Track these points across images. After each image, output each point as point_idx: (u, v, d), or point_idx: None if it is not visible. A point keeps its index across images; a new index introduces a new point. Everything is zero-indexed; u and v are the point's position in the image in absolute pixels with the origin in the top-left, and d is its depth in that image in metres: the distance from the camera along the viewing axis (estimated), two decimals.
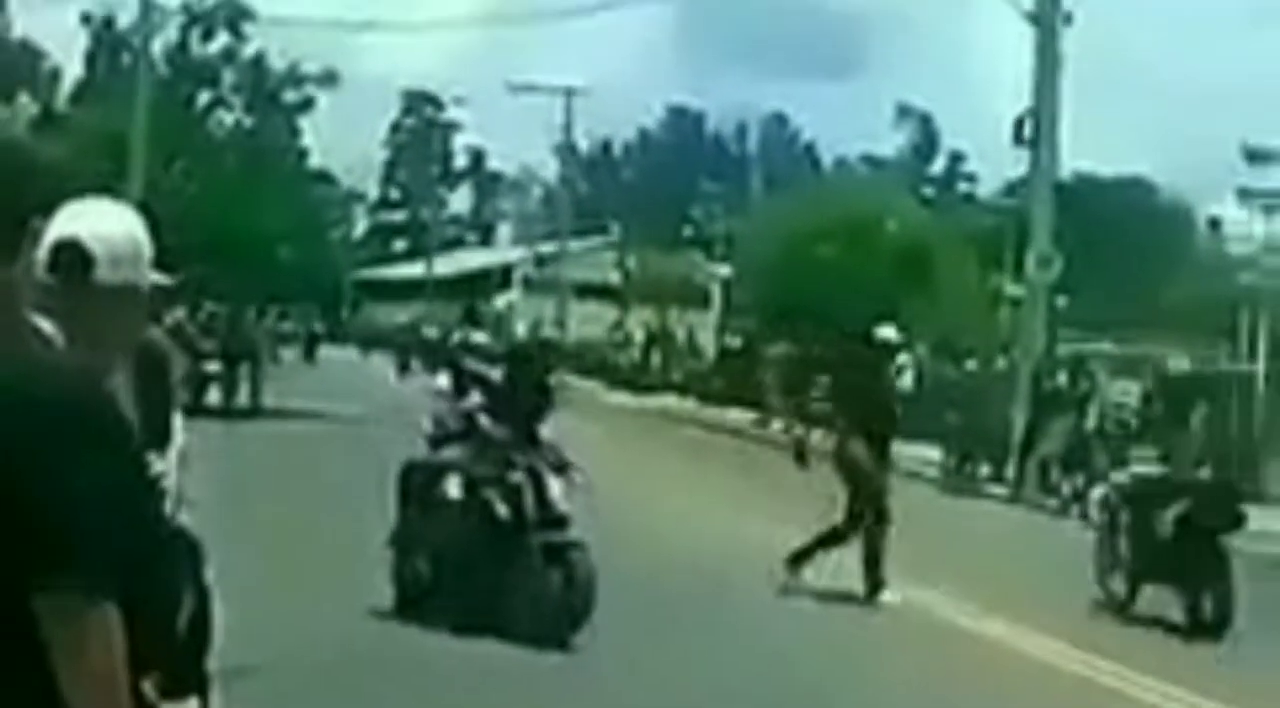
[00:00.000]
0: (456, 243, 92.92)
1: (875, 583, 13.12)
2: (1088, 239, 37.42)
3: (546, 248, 66.95)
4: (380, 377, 47.52)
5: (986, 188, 69.33)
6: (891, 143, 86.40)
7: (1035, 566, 14.71)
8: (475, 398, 11.71)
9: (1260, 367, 26.92)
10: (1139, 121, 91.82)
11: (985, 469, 25.93)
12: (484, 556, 10.77)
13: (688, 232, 71.92)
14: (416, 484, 11.47)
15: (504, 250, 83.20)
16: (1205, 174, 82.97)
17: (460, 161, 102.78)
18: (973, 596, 13.29)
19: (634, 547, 13.62)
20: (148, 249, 3.33)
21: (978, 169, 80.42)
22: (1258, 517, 21.33)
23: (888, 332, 14.52)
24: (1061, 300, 32.83)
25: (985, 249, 39.16)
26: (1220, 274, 34.07)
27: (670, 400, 42.87)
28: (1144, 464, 14.56)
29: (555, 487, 10.90)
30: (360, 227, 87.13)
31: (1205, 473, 14.28)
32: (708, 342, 49.00)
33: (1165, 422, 14.48)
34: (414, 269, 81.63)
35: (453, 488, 11.21)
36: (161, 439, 6.82)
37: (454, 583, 10.91)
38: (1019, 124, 28.76)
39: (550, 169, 77.50)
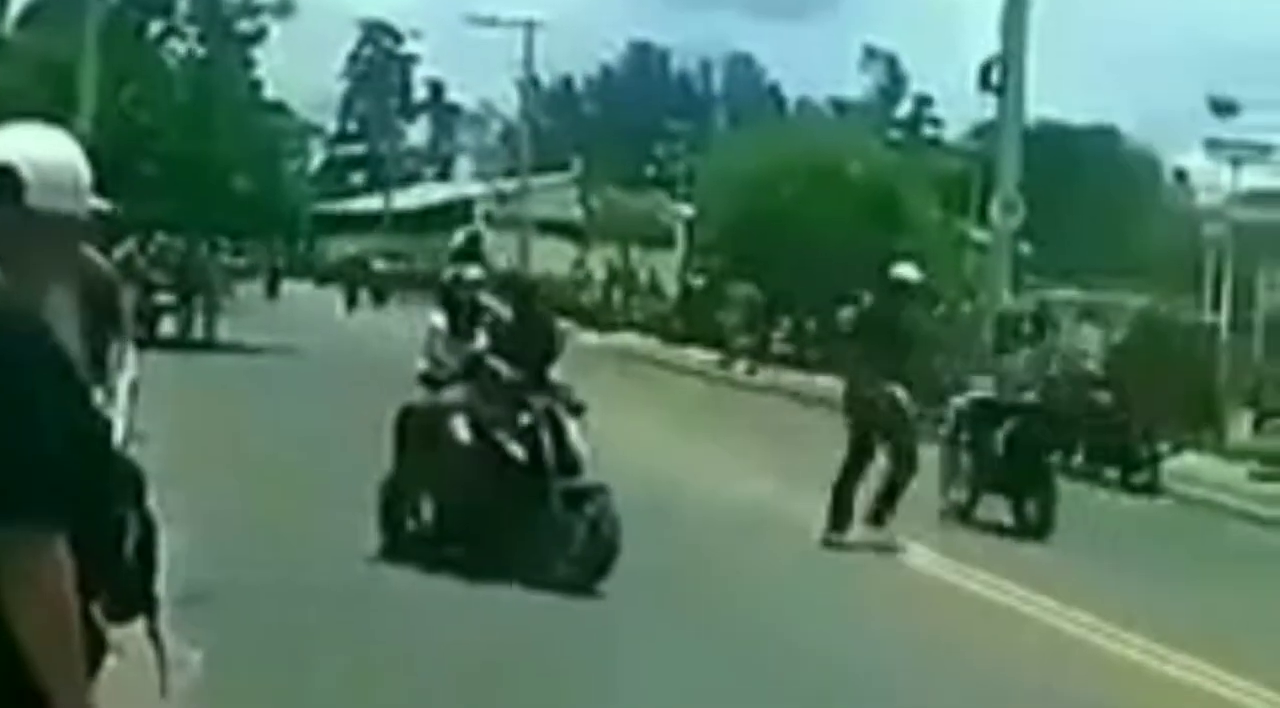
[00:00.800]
0: (415, 177, 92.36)
1: (880, 512, 13.13)
2: (1054, 186, 37.33)
3: (507, 184, 66.50)
4: (331, 311, 47.55)
5: (953, 132, 69.22)
6: (858, 85, 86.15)
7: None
8: (482, 337, 11.30)
9: (1224, 316, 26.89)
10: (1107, 70, 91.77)
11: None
12: (499, 501, 10.38)
13: (650, 170, 71.53)
14: (416, 427, 11.01)
15: (463, 185, 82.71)
16: (1171, 124, 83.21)
17: (419, 94, 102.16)
18: (920, 533, 13.53)
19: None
20: (85, 176, 3.16)
21: (944, 113, 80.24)
22: (1217, 468, 21.50)
23: (905, 270, 13.95)
24: (1027, 247, 32.70)
25: (950, 194, 39.02)
26: (1186, 224, 34.09)
27: (632, 339, 42.65)
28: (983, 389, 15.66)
29: (573, 430, 10.54)
30: (317, 159, 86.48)
31: (1031, 397, 15.35)
32: (670, 281, 48.77)
33: (995, 351, 16.44)
34: (372, 203, 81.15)
35: (461, 431, 10.71)
36: (109, 371, 6.59)
37: (463, 528, 10.55)
38: (986, 69, 28.57)
39: (510, 103, 76.91)
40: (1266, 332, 26.17)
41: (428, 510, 10.80)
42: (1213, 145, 33.32)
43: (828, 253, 33.55)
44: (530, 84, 67.83)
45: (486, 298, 12.01)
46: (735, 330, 35.76)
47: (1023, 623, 10.95)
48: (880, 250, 33.82)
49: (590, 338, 43.10)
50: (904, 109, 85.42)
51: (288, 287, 54.16)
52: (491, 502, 10.39)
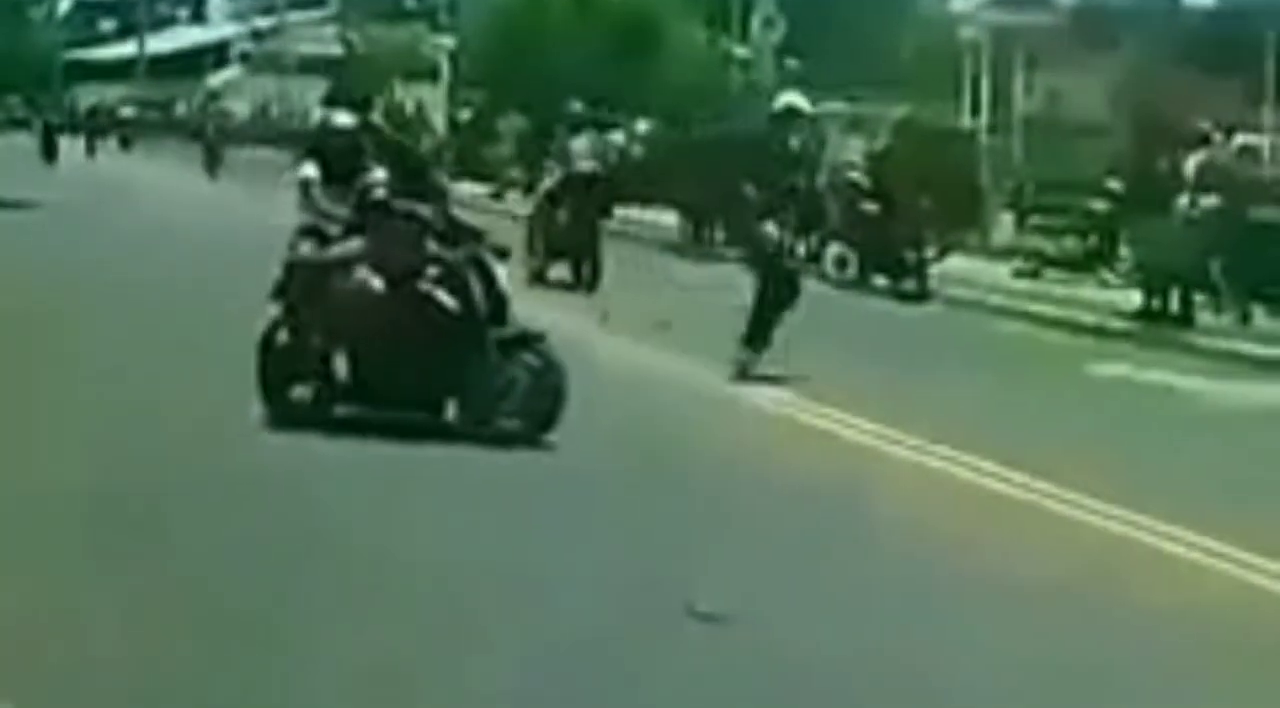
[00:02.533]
0: (168, 20, 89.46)
1: (762, 337, 13.10)
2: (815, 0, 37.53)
3: (263, 22, 64.91)
4: (78, 160, 46.34)
5: None
6: None
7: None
8: (377, 183, 10.76)
9: (983, 120, 27.45)
10: None
11: (720, 233, 26.01)
12: (428, 353, 9.83)
13: (410, 2, 70.10)
14: (313, 283, 10.21)
15: (219, 26, 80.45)
16: None
17: None
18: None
19: None
20: None
21: None
22: (983, 269, 22.14)
23: (793, 97, 13.94)
24: (793, 62, 32.88)
25: (713, 12, 38.96)
26: (943, 30, 34.51)
27: None
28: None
29: (502, 275, 10.08)
30: (65, 5, 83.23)
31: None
32: (437, 115, 48.18)
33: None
34: (126, 49, 78.58)
35: (375, 281, 10.05)
36: None
37: (384, 385, 9.95)
38: None
39: None
40: (1025, 133, 26.80)
41: (342, 368, 10.01)
42: None
43: (594, 79, 33.44)
44: None
45: (371, 146, 11.57)
46: (506, 163, 35.59)
47: (798, 431, 11.14)
48: (647, 74, 33.95)
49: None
50: None
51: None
52: (419, 354, 9.86)
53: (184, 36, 78.90)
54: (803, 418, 11.51)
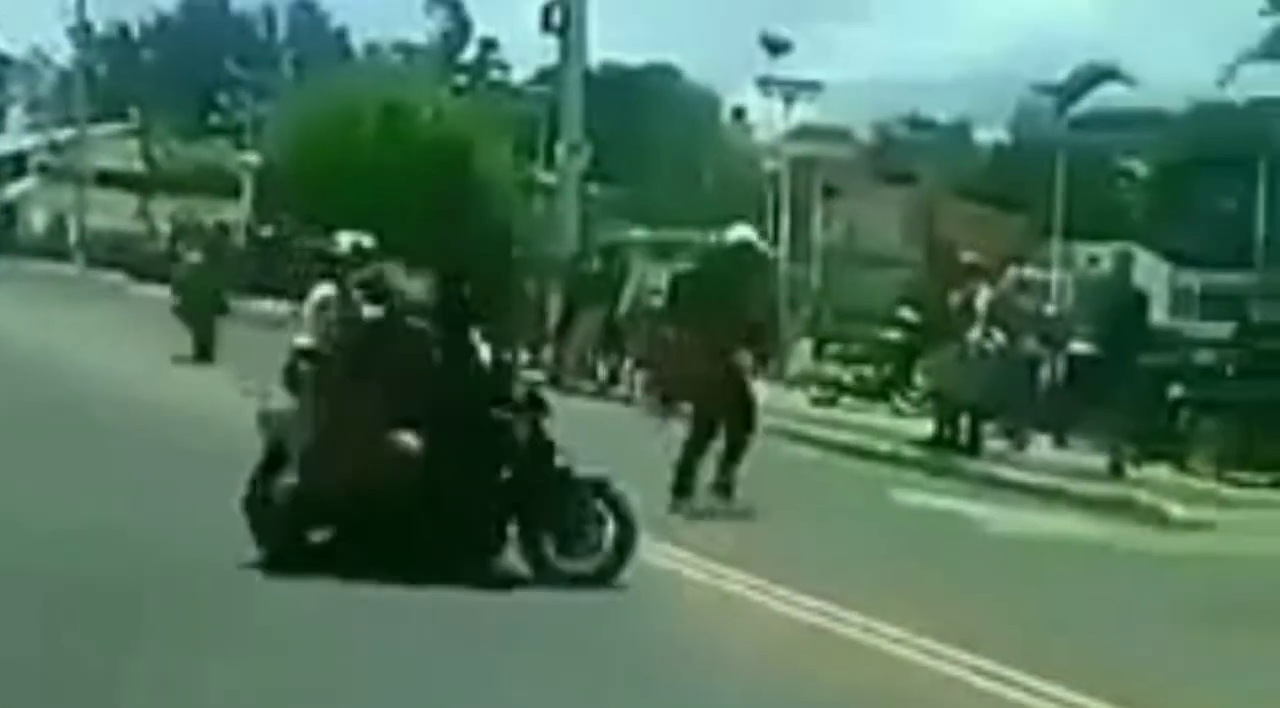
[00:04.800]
0: None
1: (728, 484, 12.97)
2: (621, 129, 38.12)
3: (62, 133, 64.00)
4: None
5: (520, 76, 69.67)
6: (423, 29, 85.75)
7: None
8: (413, 312, 10.20)
9: (784, 248, 27.94)
10: (664, 10, 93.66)
11: (524, 356, 26.06)
12: (482, 496, 9.46)
13: (214, 119, 69.63)
14: (330, 420, 9.58)
15: (16, 137, 79.14)
16: (728, 63, 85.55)
17: None
18: None
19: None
20: None
21: (511, 57, 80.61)
22: (779, 396, 22.37)
23: (744, 231, 13.68)
24: (595, 188, 33.28)
25: (519, 138, 39.33)
26: (746, 161, 35.17)
27: None
28: None
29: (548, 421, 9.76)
30: None
31: None
32: (239, 232, 47.82)
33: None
34: None
35: (406, 436, 9.49)
36: None
37: (423, 533, 9.34)
38: (546, 11, 28.92)
39: (64, 52, 73.74)
40: (823, 262, 27.32)
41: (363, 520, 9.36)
42: (765, 83, 34.52)
43: (399, 201, 33.46)
44: (84, 31, 65.31)
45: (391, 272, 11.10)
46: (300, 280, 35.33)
47: None
48: (452, 196, 33.98)
49: (162, 292, 41.88)
50: (470, 53, 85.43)
51: None
52: (459, 505, 9.38)
53: None
54: None
